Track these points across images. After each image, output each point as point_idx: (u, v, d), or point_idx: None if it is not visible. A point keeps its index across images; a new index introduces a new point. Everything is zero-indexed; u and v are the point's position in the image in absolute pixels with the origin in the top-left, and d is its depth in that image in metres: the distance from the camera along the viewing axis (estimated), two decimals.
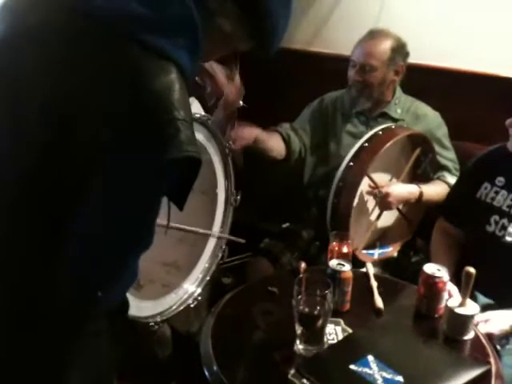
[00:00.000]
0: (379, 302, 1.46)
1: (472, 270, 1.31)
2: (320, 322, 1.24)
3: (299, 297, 1.25)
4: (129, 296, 1.52)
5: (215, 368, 1.23)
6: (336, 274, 1.41)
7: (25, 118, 0.80)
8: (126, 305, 1.08)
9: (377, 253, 2.01)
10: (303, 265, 1.60)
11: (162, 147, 0.80)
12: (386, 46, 1.94)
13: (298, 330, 1.26)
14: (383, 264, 2.01)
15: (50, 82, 0.80)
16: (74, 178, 0.79)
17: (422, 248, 2.12)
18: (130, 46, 0.80)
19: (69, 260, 0.81)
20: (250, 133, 1.96)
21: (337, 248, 1.52)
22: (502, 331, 1.47)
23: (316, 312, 1.24)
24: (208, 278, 1.83)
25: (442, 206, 1.92)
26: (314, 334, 1.26)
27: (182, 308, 1.75)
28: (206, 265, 1.85)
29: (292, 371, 1.21)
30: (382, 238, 2.06)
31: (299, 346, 1.27)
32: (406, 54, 1.99)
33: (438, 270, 1.40)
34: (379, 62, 1.94)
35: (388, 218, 2.06)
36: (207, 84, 1.51)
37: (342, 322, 1.38)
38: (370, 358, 1.23)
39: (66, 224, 0.80)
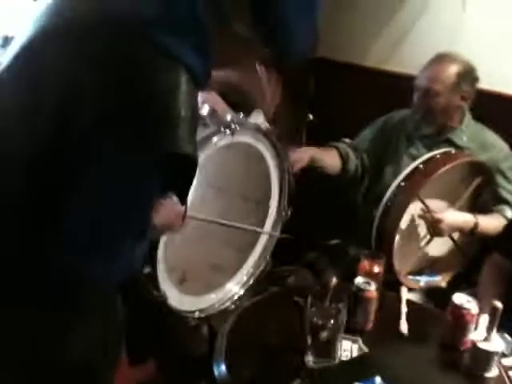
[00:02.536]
0: (404, 327, 1.42)
1: (498, 304, 1.24)
2: (329, 335, 1.23)
3: (313, 308, 1.25)
4: (172, 289, 1.60)
5: (223, 367, 1.26)
6: (359, 292, 1.40)
7: (40, 102, 0.88)
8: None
9: (423, 280, 1.94)
10: (334, 280, 1.58)
11: (158, 142, 0.85)
12: (451, 70, 1.88)
13: (309, 340, 1.26)
14: (430, 293, 1.94)
15: (64, 75, 0.87)
16: (74, 165, 0.86)
17: (476, 281, 2.02)
18: (139, 45, 0.85)
19: (64, 237, 0.88)
20: (305, 154, 1.97)
21: (367, 267, 1.49)
22: None
23: (327, 325, 1.23)
24: (252, 282, 1.86)
25: (497, 238, 1.83)
26: (324, 347, 1.26)
27: (221, 308, 1.79)
28: (251, 269, 1.88)
29: (296, 381, 1.21)
30: (431, 266, 1.99)
31: (309, 358, 1.26)
32: (474, 80, 1.91)
33: (468, 301, 1.34)
34: (443, 86, 1.88)
35: (441, 247, 1.99)
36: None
37: (360, 340, 1.36)
38: (378, 379, 1.21)
39: (64, 203, 0.86)
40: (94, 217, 0.88)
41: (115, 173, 0.87)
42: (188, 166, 0.90)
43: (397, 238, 1.80)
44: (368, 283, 1.42)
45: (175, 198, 1.14)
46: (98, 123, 0.85)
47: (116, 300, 1.12)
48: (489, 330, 1.27)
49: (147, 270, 1.47)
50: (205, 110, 1.58)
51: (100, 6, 0.89)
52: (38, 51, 0.92)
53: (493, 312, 1.26)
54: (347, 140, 2.18)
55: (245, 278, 1.85)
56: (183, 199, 0.99)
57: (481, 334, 1.29)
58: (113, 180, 0.87)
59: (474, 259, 2.01)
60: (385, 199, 1.81)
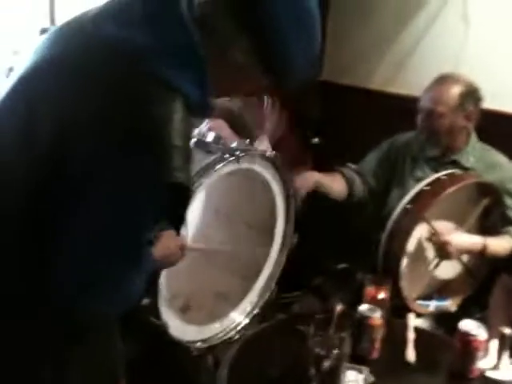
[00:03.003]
0: (411, 355, 1.38)
1: (507, 331, 1.20)
2: (333, 365, 1.20)
3: (315, 338, 1.22)
4: (174, 318, 1.58)
5: None
6: (364, 320, 1.36)
7: (37, 133, 0.88)
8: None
9: (433, 305, 1.90)
10: (339, 306, 1.55)
11: (152, 171, 0.84)
12: (454, 91, 1.86)
13: (312, 371, 1.23)
14: (439, 318, 1.90)
15: (60, 105, 0.87)
16: (71, 191, 0.86)
17: (486, 305, 1.97)
18: (135, 75, 0.85)
19: (59, 264, 0.87)
20: (309, 179, 1.95)
21: (372, 293, 1.46)
22: None
23: (330, 355, 1.20)
24: (256, 312, 1.83)
25: (506, 260, 1.79)
26: (328, 378, 1.22)
27: (225, 338, 1.76)
28: (256, 298, 1.85)
29: None
30: (440, 289, 1.95)
31: None
32: (478, 99, 1.89)
33: (476, 327, 1.30)
34: (446, 108, 1.86)
35: (450, 270, 1.95)
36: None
37: (366, 369, 1.32)
38: None
39: (57, 236, 0.86)
40: (89, 248, 0.88)
41: (109, 204, 0.86)
42: (182, 195, 0.89)
43: (404, 261, 1.77)
44: (373, 310, 1.38)
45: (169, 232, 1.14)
46: (93, 154, 0.85)
47: (114, 330, 1.11)
48: (498, 357, 1.22)
49: (148, 299, 1.46)
50: (210, 137, 1.58)
51: (96, 37, 0.89)
52: (34, 82, 0.93)
53: (502, 338, 1.22)
54: (353, 165, 2.16)
55: (249, 308, 1.82)
56: (179, 228, 0.98)
57: (490, 362, 1.25)
58: (106, 211, 0.87)
59: (485, 282, 1.96)
60: (391, 222, 1.79)
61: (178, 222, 0.96)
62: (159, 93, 0.85)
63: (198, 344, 1.67)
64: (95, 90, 0.87)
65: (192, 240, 1.70)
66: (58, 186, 0.87)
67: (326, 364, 1.19)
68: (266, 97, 1.55)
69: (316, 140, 2.79)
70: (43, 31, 1.01)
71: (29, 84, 0.93)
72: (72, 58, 0.90)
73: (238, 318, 1.79)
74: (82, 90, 0.87)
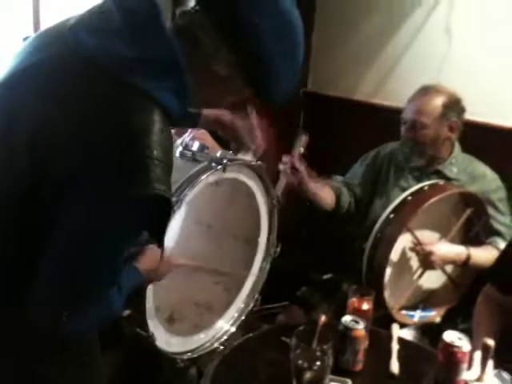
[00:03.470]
0: (395, 367, 1.37)
1: (490, 342, 1.20)
2: (315, 377, 1.18)
3: (297, 350, 1.20)
4: (160, 329, 1.55)
5: None
6: (347, 331, 1.35)
7: (16, 145, 0.87)
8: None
9: (418, 315, 1.89)
10: (323, 318, 1.53)
11: (130, 182, 0.83)
12: (437, 102, 1.87)
13: (294, 383, 1.21)
14: (424, 329, 1.89)
15: (38, 117, 0.86)
16: (48, 204, 0.84)
17: (471, 315, 1.97)
18: (112, 84, 0.84)
19: (38, 280, 0.85)
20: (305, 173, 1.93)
21: (355, 304, 1.45)
22: None
23: (313, 367, 1.18)
24: (242, 319, 1.81)
25: (491, 270, 1.78)
26: None
27: (211, 348, 1.74)
28: (242, 306, 1.84)
29: None
30: (426, 300, 1.94)
31: None
32: (461, 110, 1.90)
33: (459, 338, 1.29)
34: (430, 118, 1.87)
35: (434, 280, 1.95)
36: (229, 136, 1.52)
37: (349, 382, 1.31)
38: None
39: (40, 246, 0.85)
40: (68, 264, 0.86)
41: (87, 216, 0.85)
42: (162, 207, 0.88)
43: (388, 271, 1.77)
44: (356, 321, 1.37)
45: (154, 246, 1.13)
46: (71, 166, 0.83)
47: (93, 345, 1.10)
48: (482, 368, 1.21)
49: (133, 311, 1.43)
50: (195, 146, 1.57)
51: (74, 47, 0.88)
52: (12, 90, 0.92)
53: (485, 350, 1.21)
54: (339, 177, 2.16)
55: (235, 315, 1.80)
56: (160, 240, 0.96)
57: (474, 373, 1.24)
58: (85, 224, 0.85)
59: (469, 292, 1.96)
60: (374, 231, 1.78)
61: (159, 234, 0.94)
62: (138, 103, 0.85)
63: (185, 355, 1.65)
64: (74, 102, 0.86)
65: (173, 253, 1.68)
66: (38, 198, 0.85)
67: (308, 376, 1.17)
68: (253, 110, 1.54)
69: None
70: (26, 39, 0.99)
71: (7, 92, 0.91)
72: (50, 68, 0.89)
73: (225, 326, 1.77)
74: (61, 102, 0.86)
